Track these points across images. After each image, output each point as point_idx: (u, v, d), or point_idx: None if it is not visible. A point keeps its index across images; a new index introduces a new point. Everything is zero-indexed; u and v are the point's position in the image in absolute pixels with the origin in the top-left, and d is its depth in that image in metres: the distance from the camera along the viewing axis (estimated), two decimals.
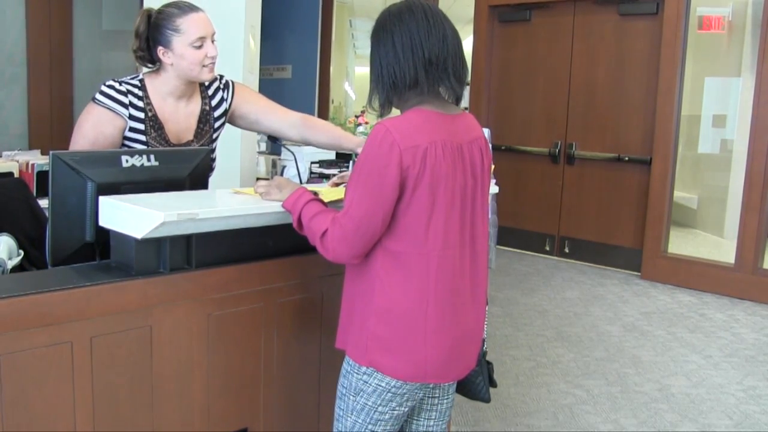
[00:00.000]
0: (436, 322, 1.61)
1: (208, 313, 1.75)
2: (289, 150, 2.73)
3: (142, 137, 2.13)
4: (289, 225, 1.91)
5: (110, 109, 2.08)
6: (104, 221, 1.69)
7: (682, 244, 5.97)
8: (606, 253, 5.86)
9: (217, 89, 2.31)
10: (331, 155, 4.05)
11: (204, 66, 2.11)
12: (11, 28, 5.35)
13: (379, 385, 1.64)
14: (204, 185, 2.03)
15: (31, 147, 4.77)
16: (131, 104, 2.11)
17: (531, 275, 5.59)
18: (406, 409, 1.70)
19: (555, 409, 3.19)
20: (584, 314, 4.60)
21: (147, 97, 2.14)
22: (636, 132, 5.67)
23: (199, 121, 2.26)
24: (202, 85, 2.27)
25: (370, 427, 1.68)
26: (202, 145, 2.24)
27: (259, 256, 1.87)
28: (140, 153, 1.86)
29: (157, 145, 2.14)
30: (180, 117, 2.21)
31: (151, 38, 2.10)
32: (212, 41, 2.12)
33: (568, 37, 6.00)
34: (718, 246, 6.34)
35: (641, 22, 5.59)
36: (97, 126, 2.09)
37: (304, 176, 3.06)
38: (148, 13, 2.11)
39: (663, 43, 5.36)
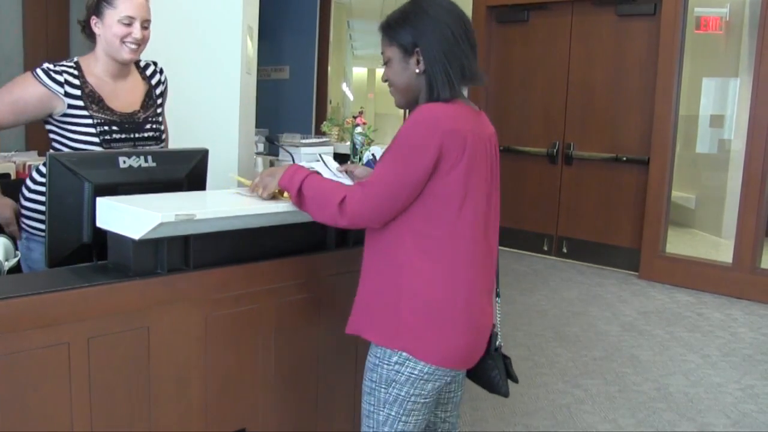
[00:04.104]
0: (463, 307, 1.64)
1: (205, 313, 1.75)
2: (287, 151, 2.74)
3: (85, 112, 2.14)
4: (288, 226, 1.91)
5: (46, 87, 2.10)
6: (101, 222, 1.69)
7: (680, 243, 5.98)
8: (604, 253, 5.86)
9: (153, 72, 2.39)
10: (329, 156, 4.05)
11: (124, 43, 2.15)
12: (8, 29, 5.34)
13: (412, 373, 1.64)
14: (201, 186, 2.03)
15: (28, 148, 4.76)
16: (66, 82, 2.12)
17: (529, 275, 5.59)
18: (435, 398, 1.72)
19: (553, 409, 3.19)
20: (582, 314, 4.61)
21: (83, 76, 2.17)
22: (634, 132, 5.68)
23: (146, 95, 2.33)
24: (138, 67, 2.34)
25: (403, 418, 1.68)
26: (148, 116, 2.29)
27: (256, 257, 1.87)
28: (138, 154, 1.86)
29: (103, 116, 2.16)
30: (120, 94, 2.24)
31: (92, 11, 2.18)
32: (143, 27, 2.17)
33: (566, 37, 6.01)
34: (716, 245, 6.35)
35: (639, 23, 5.60)
36: (24, 93, 2.11)
37: None
38: None
39: (661, 44, 5.37)
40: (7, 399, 1.44)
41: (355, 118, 3.61)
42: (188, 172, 1.97)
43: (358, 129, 3.30)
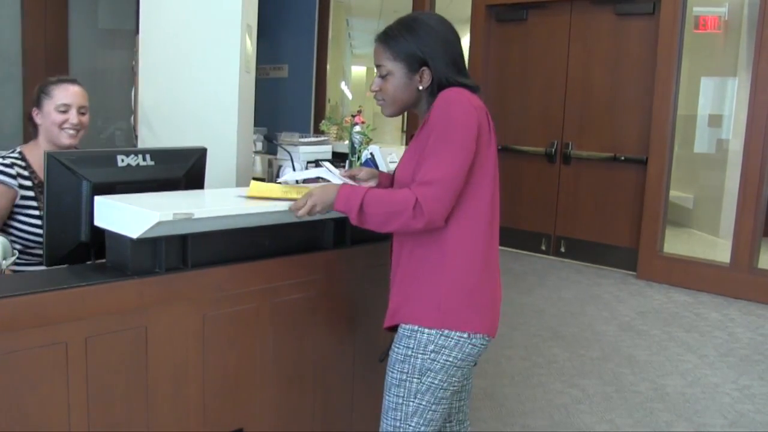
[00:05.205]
0: (494, 283, 1.72)
1: (203, 313, 1.75)
2: (285, 150, 2.73)
3: (34, 203, 2.25)
4: (286, 225, 1.91)
5: (4, 184, 2.21)
6: (99, 221, 1.68)
7: (677, 243, 5.99)
8: (602, 253, 5.87)
9: None
10: (327, 155, 4.04)
11: (62, 129, 2.30)
12: (6, 27, 5.34)
13: (447, 360, 1.68)
14: (200, 185, 2.03)
15: None
16: (19, 174, 2.26)
17: (527, 275, 5.59)
18: (460, 385, 1.77)
19: (551, 409, 3.19)
20: (580, 314, 4.61)
21: (30, 166, 2.29)
22: (632, 132, 5.68)
23: None
24: None
25: (432, 407, 1.71)
26: None
27: (254, 256, 1.87)
28: (136, 152, 1.86)
29: None
30: None
31: (34, 103, 2.34)
32: (80, 113, 2.32)
33: (564, 36, 6.01)
34: (713, 245, 6.36)
35: (638, 22, 5.60)
36: None
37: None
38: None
39: (659, 43, 5.37)
40: (4, 398, 1.44)
41: (353, 117, 3.60)
42: (186, 171, 1.97)
43: (357, 128, 3.28)
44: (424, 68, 1.69)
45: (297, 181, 2.18)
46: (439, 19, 1.73)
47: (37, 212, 2.25)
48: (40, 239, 2.23)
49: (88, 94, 2.38)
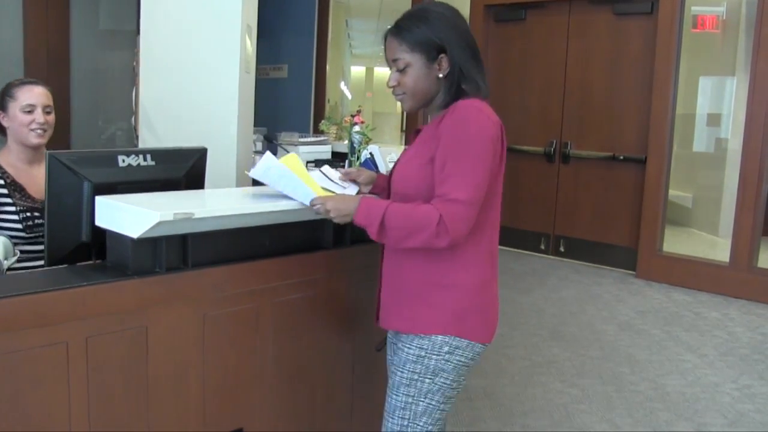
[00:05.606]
0: (495, 288, 1.75)
1: (203, 313, 1.75)
2: (285, 150, 2.73)
3: (9, 200, 2.30)
4: (286, 225, 1.91)
5: None
6: (100, 221, 1.69)
7: (677, 242, 5.99)
8: (601, 252, 5.87)
9: None
10: (327, 155, 4.05)
11: (31, 130, 2.35)
12: (8, 28, 5.34)
13: (460, 361, 1.70)
14: (200, 185, 2.03)
15: None
16: None
17: (526, 274, 5.60)
18: (465, 384, 1.80)
19: (550, 409, 3.19)
20: (579, 313, 4.61)
21: (1, 168, 2.35)
22: (631, 131, 5.68)
23: None
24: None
25: (441, 406, 1.73)
26: None
27: (254, 256, 1.87)
28: (136, 152, 1.87)
29: (25, 204, 2.33)
30: (38, 179, 2.38)
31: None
32: (46, 112, 2.38)
33: (563, 36, 6.01)
34: (712, 244, 6.37)
35: (636, 22, 5.61)
36: None
37: None
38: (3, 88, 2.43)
39: (658, 42, 5.37)
40: (5, 398, 1.44)
41: (353, 116, 3.60)
42: (187, 171, 1.98)
43: (356, 128, 3.29)
44: (442, 55, 1.67)
45: None
46: (447, 6, 1.72)
47: (13, 208, 2.28)
48: (20, 234, 2.26)
49: (50, 94, 2.43)
